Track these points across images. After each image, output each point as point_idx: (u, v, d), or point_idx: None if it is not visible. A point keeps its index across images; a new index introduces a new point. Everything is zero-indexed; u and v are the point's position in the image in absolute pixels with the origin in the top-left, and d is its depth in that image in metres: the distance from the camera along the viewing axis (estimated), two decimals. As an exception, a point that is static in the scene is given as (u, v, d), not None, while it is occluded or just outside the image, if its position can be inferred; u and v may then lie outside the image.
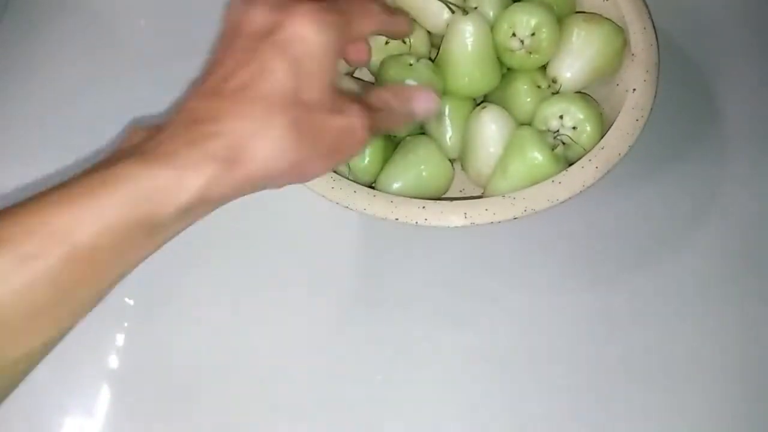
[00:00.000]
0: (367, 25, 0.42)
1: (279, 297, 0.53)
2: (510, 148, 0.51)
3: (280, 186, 0.38)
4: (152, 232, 0.34)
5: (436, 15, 0.53)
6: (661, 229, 0.55)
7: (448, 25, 0.52)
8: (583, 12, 0.56)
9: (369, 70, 0.57)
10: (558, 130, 0.52)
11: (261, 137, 0.35)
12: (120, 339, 0.52)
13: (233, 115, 0.35)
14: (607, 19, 0.54)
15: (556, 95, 0.54)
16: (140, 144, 0.36)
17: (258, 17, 0.39)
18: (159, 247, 0.35)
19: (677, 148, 0.58)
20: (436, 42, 0.55)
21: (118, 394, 0.51)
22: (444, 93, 0.53)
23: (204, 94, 0.37)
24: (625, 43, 0.53)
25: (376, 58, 0.54)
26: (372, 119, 0.39)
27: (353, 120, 0.38)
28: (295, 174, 0.37)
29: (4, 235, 0.33)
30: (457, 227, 0.47)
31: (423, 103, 0.43)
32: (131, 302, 0.53)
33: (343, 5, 0.40)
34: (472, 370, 0.50)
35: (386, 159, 0.53)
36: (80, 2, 0.68)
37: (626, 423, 0.49)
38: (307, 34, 0.37)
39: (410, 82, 0.50)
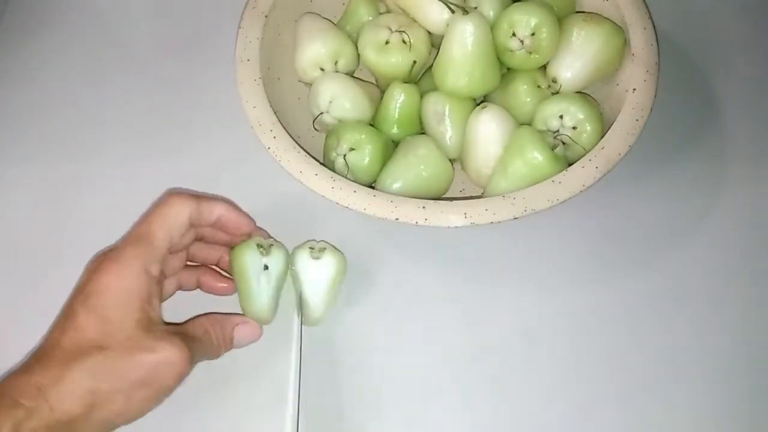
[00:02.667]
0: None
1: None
2: (510, 148, 0.51)
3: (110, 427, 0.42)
4: None
5: (436, 15, 0.53)
6: (661, 229, 0.55)
7: (448, 25, 0.52)
8: (583, 12, 0.56)
9: (366, 66, 0.57)
10: (558, 130, 0.52)
11: (55, 388, 0.39)
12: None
13: (37, 376, 0.40)
14: (607, 19, 0.54)
15: (556, 95, 0.54)
16: None
17: (79, 277, 0.44)
18: None
19: (677, 148, 0.58)
20: (436, 42, 0.55)
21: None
22: (444, 93, 0.53)
23: (34, 355, 0.42)
24: (625, 43, 0.53)
25: (375, 58, 0.54)
26: (191, 350, 0.42)
27: (166, 355, 0.41)
28: (105, 413, 0.40)
29: None
30: (457, 227, 0.47)
31: (244, 334, 0.48)
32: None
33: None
34: (472, 369, 0.50)
35: (386, 159, 0.53)
36: (80, 2, 0.67)
37: (626, 422, 0.49)
38: (106, 283, 0.42)
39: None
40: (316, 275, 0.49)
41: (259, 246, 0.48)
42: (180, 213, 0.46)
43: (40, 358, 0.41)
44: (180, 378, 0.42)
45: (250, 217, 0.50)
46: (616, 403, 0.49)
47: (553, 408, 0.49)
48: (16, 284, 0.54)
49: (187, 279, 0.51)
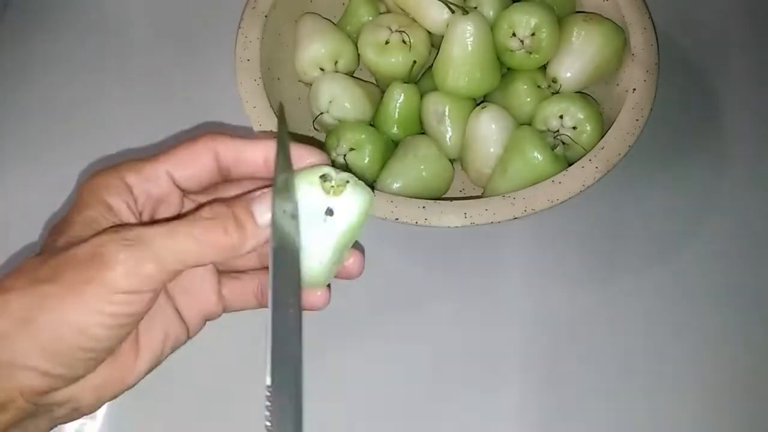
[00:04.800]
0: None
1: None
2: (510, 148, 0.51)
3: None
4: None
5: (436, 15, 0.53)
6: (661, 229, 0.55)
7: (448, 25, 0.52)
8: (583, 12, 0.56)
9: (366, 66, 0.57)
10: (558, 130, 0.52)
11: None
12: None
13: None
14: (607, 19, 0.54)
15: (556, 95, 0.54)
16: None
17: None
18: None
19: (677, 148, 0.58)
20: (436, 42, 0.55)
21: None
22: (444, 93, 0.53)
23: None
24: (625, 43, 0.53)
25: (375, 58, 0.54)
26: (134, 231, 0.32)
27: (97, 241, 0.31)
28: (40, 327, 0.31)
29: None
30: (457, 227, 0.47)
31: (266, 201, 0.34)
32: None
33: None
34: (472, 369, 0.50)
35: (386, 159, 0.53)
36: (80, 2, 0.67)
37: (626, 422, 0.49)
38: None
39: None
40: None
41: (325, 179, 0.34)
42: (202, 151, 0.35)
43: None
44: (121, 293, 0.31)
45: (315, 149, 0.36)
46: (616, 402, 0.49)
47: (553, 407, 0.49)
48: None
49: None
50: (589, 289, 0.53)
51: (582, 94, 0.54)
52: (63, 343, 0.31)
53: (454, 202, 0.48)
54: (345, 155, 0.52)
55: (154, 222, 0.34)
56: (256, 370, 0.51)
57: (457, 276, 0.54)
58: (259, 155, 0.35)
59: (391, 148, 0.54)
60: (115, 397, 0.35)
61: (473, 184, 0.55)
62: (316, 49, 0.55)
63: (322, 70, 0.56)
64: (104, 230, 0.32)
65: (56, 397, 0.32)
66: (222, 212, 0.33)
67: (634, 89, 0.51)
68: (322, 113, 0.55)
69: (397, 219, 0.47)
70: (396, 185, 0.52)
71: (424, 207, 0.47)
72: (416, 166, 0.52)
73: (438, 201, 0.48)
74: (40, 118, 0.62)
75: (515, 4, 0.53)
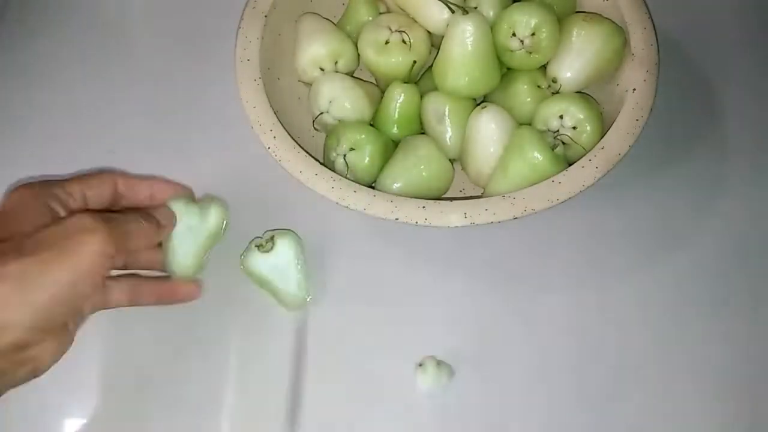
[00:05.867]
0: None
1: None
2: (510, 148, 0.51)
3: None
4: None
5: (436, 15, 0.53)
6: (661, 229, 0.55)
7: (448, 25, 0.52)
8: (583, 12, 0.56)
9: (366, 66, 0.57)
10: (558, 130, 0.52)
11: None
12: (121, 340, 0.52)
13: None
14: (607, 19, 0.54)
15: (556, 95, 0.54)
16: None
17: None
18: None
19: (677, 148, 0.58)
20: (436, 42, 0.55)
21: (119, 395, 0.51)
22: (444, 93, 0.53)
23: None
24: (625, 43, 0.53)
25: (375, 58, 0.54)
26: (108, 225, 0.42)
27: (73, 222, 0.41)
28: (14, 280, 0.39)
29: None
30: (457, 227, 0.47)
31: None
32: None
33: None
34: (472, 369, 0.50)
35: (386, 159, 0.53)
36: (80, 2, 0.67)
37: (625, 422, 0.49)
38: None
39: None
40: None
41: (259, 245, 0.51)
42: (105, 180, 0.48)
43: None
44: (102, 256, 0.41)
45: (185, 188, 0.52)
46: (616, 402, 0.49)
47: (553, 407, 0.49)
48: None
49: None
50: (589, 289, 0.53)
51: (582, 94, 0.54)
52: (54, 300, 0.39)
53: (454, 202, 0.48)
54: (345, 155, 0.52)
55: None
56: (252, 366, 0.51)
57: (457, 276, 0.54)
58: (146, 191, 0.50)
59: (391, 148, 0.54)
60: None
61: (473, 184, 0.55)
62: (316, 49, 0.55)
63: (322, 70, 0.56)
64: (74, 213, 0.43)
65: (28, 353, 0.39)
66: (147, 214, 0.47)
67: (634, 89, 0.51)
68: (322, 113, 0.55)
69: (397, 219, 0.47)
70: (396, 185, 0.52)
71: (424, 207, 0.47)
72: (416, 166, 0.52)
73: (438, 201, 0.48)
74: (39, 119, 0.61)
75: (515, 4, 0.52)
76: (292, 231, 0.52)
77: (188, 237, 0.50)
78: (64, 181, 0.46)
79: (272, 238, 0.51)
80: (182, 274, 0.50)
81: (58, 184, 0.46)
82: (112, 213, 0.45)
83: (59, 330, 0.41)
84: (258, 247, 0.51)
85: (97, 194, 0.47)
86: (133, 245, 0.45)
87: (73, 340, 0.43)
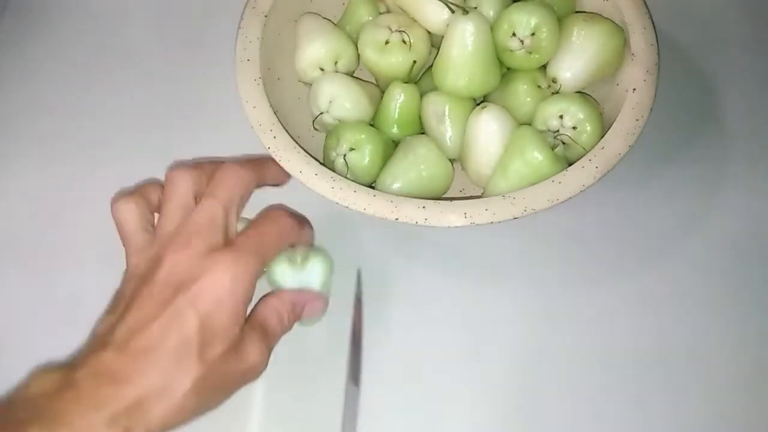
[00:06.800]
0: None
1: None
2: (510, 148, 0.51)
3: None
4: None
5: (436, 15, 0.53)
6: (661, 229, 0.55)
7: (448, 25, 0.52)
8: (583, 12, 0.56)
9: (366, 66, 0.57)
10: (558, 130, 0.52)
11: (164, 399, 0.36)
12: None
13: (139, 375, 0.37)
14: (607, 19, 0.54)
15: (556, 95, 0.54)
16: (44, 400, 0.36)
17: (177, 265, 0.40)
18: None
19: (677, 148, 0.58)
20: (436, 42, 0.55)
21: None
22: (444, 93, 0.53)
23: (113, 347, 0.38)
24: (625, 43, 0.53)
25: (375, 58, 0.54)
26: (270, 348, 0.42)
27: (256, 361, 0.41)
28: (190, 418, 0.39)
29: None
30: (457, 227, 0.47)
31: (314, 310, 0.47)
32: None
33: (262, 227, 0.45)
34: (472, 369, 0.50)
35: (386, 159, 0.53)
36: (80, 2, 0.67)
37: (625, 421, 0.49)
38: (222, 287, 0.39)
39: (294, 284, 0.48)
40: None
41: (288, 258, 0.47)
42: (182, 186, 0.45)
43: (132, 353, 0.38)
44: (257, 377, 0.42)
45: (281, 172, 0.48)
46: (616, 402, 0.49)
47: (553, 408, 0.49)
48: (15, 284, 0.54)
49: None
50: (589, 289, 0.53)
51: (582, 94, 0.54)
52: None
53: (454, 202, 0.48)
54: (345, 155, 0.52)
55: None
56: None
57: (457, 276, 0.54)
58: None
59: (391, 148, 0.54)
60: None
61: (473, 184, 0.55)
62: (316, 49, 0.55)
63: (322, 70, 0.56)
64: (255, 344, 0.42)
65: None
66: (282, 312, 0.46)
67: (634, 89, 0.51)
68: (322, 113, 0.55)
69: (397, 219, 0.47)
70: (396, 185, 0.52)
71: (424, 207, 0.47)
72: (416, 166, 0.52)
73: (438, 201, 0.48)
74: (38, 118, 0.61)
75: (515, 3, 0.52)
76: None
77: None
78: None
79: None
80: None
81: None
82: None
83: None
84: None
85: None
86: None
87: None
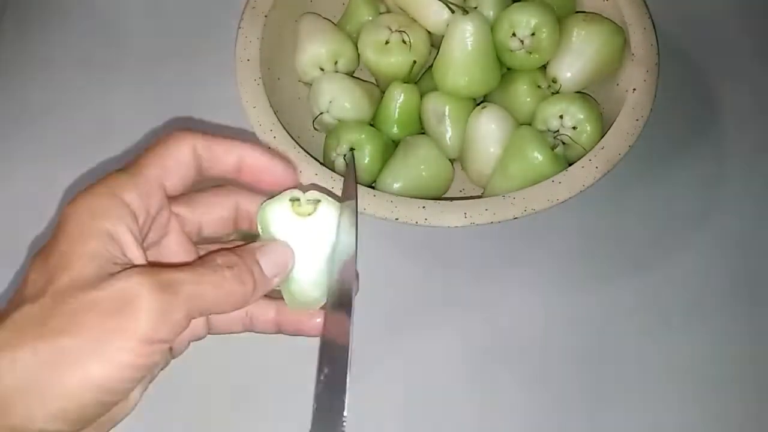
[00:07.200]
0: None
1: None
2: (510, 148, 0.51)
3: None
4: None
5: (436, 15, 0.53)
6: (661, 229, 0.55)
7: (448, 25, 0.52)
8: (583, 12, 0.56)
9: (366, 66, 0.57)
10: (558, 130, 0.52)
11: None
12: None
13: None
14: (607, 19, 0.54)
15: (556, 95, 0.54)
16: None
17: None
18: None
19: (677, 148, 0.58)
20: (436, 42, 0.55)
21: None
22: (444, 93, 0.53)
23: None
24: (625, 43, 0.53)
25: (375, 58, 0.54)
26: (175, 290, 0.29)
27: (119, 288, 0.28)
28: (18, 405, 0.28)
29: None
30: (457, 227, 0.47)
31: (275, 257, 0.33)
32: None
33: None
34: (472, 369, 0.50)
35: (386, 159, 0.53)
36: (80, 2, 0.67)
37: (624, 421, 0.49)
38: (72, 219, 0.30)
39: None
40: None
41: (295, 201, 0.34)
42: (181, 147, 0.33)
43: None
44: (145, 344, 0.28)
45: (290, 164, 0.35)
46: (616, 403, 0.49)
47: (553, 408, 0.49)
48: (15, 284, 0.54)
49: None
50: (588, 289, 0.53)
51: (582, 94, 0.54)
52: (78, 401, 0.28)
53: (454, 202, 0.48)
54: (345, 155, 0.52)
55: (167, 265, 0.31)
56: (254, 366, 0.51)
57: (457, 276, 0.54)
58: (231, 157, 0.34)
59: (391, 148, 0.54)
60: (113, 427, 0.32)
61: (473, 184, 0.55)
62: (316, 49, 0.55)
63: (322, 70, 0.56)
64: (127, 271, 0.29)
65: None
66: (236, 262, 0.32)
67: (634, 89, 0.51)
68: (322, 113, 0.55)
69: (397, 219, 0.47)
70: (396, 185, 0.52)
71: (424, 207, 0.47)
72: (416, 166, 0.52)
73: (438, 201, 0.48)
74: (38, 118, 0.61)
75: (515, 4, 0.53)
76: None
77: (307, 253, 0.34)
78: (137, 174, 0.32)
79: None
80: (306, 302, 0.36)
81: (129, 181, 0.31)
82: (178, 266, 0.31)
83: (97, 420, 0.30)
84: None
85: (179, 177, 0.33)
86: (208, 312, 0.31)
87: (136, 400, 0.32)
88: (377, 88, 0.58)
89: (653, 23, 0.53)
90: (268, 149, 0.35)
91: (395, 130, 0.55)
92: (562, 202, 0.47)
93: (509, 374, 0.50)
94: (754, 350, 0.51)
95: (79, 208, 0.30)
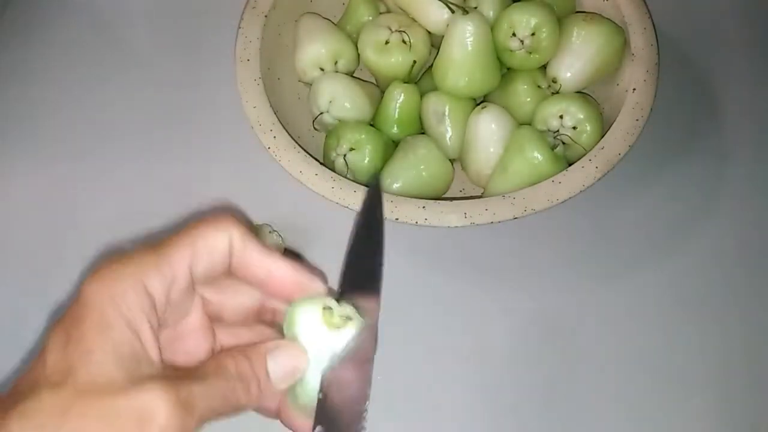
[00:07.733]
0: None
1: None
2: (510, 148, 0.51)
3: None
4: None
5: (436, 15, 0.53)
6: (661, 229, 0.55)
7: (448, 25, 0.52)
8: (583, 12, 0.56)
9: (366, 66, 0.57)
10: (558, 130, 0.52)
11: None
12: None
13: None
14: (607, 19, 0.54)
15: (556, 95, 0.54)
16: None
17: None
18: None
19: (677, 148, 0.58)
20: (436, 42, 0.55)
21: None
22: (444, 93, 0.53)
23: None
24: (625, 43, 0.53)
25: (375, 58, 0.54)
26: (188, 397, 0.29)
27: (142, 400, 0.28)
28: None
29: None
30: (457, 227, 0.47)
31: (285, 361, 0.33)
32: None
33: None
34: (472, 369, 0.50)
35: (386, 159, 0.53)
36: (80, 2, 0.67)
37: (624, 421, 0.49)
38: (94, 302, 0.30)
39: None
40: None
41: (327, 309, 0.34)
42: (218, 234, 0.32)
43: None
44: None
45: (317, 276, 0.35)
46: (616, 403, 0.49)
47: (552, 408, 0.49)
48: (15, 284, 0.54)
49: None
50: (588, 289, 0.53)
51: (582, 94, 0.54)
52: None
53: (454, 202, 0.48)
54: (345, 155, 0.52)
55: (181, 367, 0.31)
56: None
57: (457, 276, 0.54)
58: (262, 271, 0.33)
59: (391, 148, 0.54)
60: None
61: (473, 184, 0.55)
62: (316, 49, 0.55)
63: (322, 70, 0.56)
64: (148, 383, 0.29)
65: None
66: (246, 372, 0.31)
67: (634, 89, 0.51)
68: (322, 113, 0.55)
69: (397, 219, 0.47)
70: (396, 185, 0.52)
71: (424, 207, 0.47)
72: (416, 166, 0.52)
73: (438, 201, 0.48)
74: (39, 118, 0.61)
75: (515, 4, 0.53)
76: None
77: (322, 363, 0.33)
78: (164, 256, 0.31)
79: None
80: (305, 407, 0.34)
81: (154, 263, 0.31)
82: (189, 369, 0.30)
83: None
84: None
85: (208, 260, 0.32)
86: (211, 420, 0.30)
87: None
88: (377, 88, 0.58)
89: (653, 23, 0.53)
90: (296, 261, 0.35)
91: (395, 130, 0.55)
92: (562, 202, 0.47)
93: (509, 374, 0.50)
94: (754, 350, 0.51)
95: (100, 289, 0.30)
